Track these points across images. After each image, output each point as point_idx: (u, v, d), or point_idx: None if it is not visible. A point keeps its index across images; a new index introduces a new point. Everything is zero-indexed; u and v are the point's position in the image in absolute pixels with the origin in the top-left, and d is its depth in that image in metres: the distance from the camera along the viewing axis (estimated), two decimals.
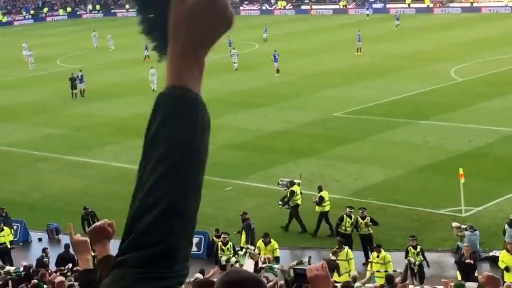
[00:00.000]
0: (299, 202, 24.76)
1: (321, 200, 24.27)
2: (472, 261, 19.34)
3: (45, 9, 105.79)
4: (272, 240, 21.84)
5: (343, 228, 22.62)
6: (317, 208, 24.43)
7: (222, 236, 22.20)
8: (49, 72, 56.69)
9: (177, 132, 1.76)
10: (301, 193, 24.86)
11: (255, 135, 34.74)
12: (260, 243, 21.82)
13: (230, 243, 22.11)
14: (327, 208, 24.34)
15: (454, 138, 32.46)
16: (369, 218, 22.30)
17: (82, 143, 35.79)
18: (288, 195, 24.71)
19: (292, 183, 24.95)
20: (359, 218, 22.36)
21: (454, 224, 22.10)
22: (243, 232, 22.96)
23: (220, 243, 22.14)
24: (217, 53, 58.27)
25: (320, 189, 24.69)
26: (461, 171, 23.73)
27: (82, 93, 46.71)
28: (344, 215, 22.72)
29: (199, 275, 17.95)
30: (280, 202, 25.04)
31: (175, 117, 1.75)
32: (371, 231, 22.38)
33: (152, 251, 1.77)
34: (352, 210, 22.85)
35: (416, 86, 42.13)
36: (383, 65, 49.21)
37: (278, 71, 48.58)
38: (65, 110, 43.14)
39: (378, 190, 26.85)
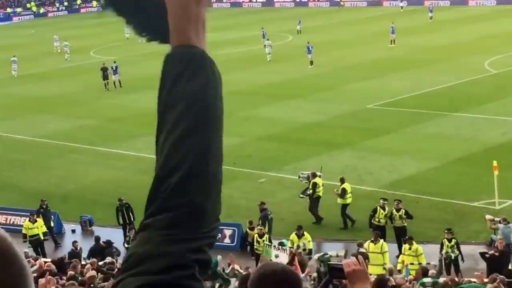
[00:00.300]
0: (320, 194, 24.71)
1: (343, 193, 24.16)
2: (496, 253, 19.24)
3: (79, 1, 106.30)
4: (305, 232, 21.68)
5: (376, 220, 22.46)
6: (339, 200, 24.35)
7: (258, 228, 22.19)
8: (83, 63, 57.02)
9: (189, 90, 1.74)
10: (322, 185, 24.77)
11: (288, 127, 34.66)
12: (293, 236, 21.66)
13: (266, 235, 22.02)
14: (349, 201, 24.29)
15: (487, 130, 32.23)
16: (403, 210, 22.18)
17: (115, 135, 35.89)
18: (310, 187, 24.73)
19: (314, 175, 24.93)
20: (394, 211, 22.24)
21: (488, 216, 21.89)
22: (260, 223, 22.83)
23: (256, 235, 22.12)
24: (251, 45, 58.66)
25: (342, 181, 24.58)
26: (495, 163, 23.57)
27: (119, 84, 46.93)
28: (378, 207, 22.59)
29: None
30: (301, 195, 25.07)
31: (185, 75, 1.74)
32: (405, 224, 22.19)
33: (178, 213, 1.76)
34: (386, 202, 22.66)
35: (450, 78, 41.93)
36: (416, 57, 48.99)
37: (311, 62, 48.55)
38: (98, 102, 43.34)
39: (411, 182, 26.72)
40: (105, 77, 47.25)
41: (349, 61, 49.22)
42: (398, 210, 22.22)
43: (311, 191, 24.71)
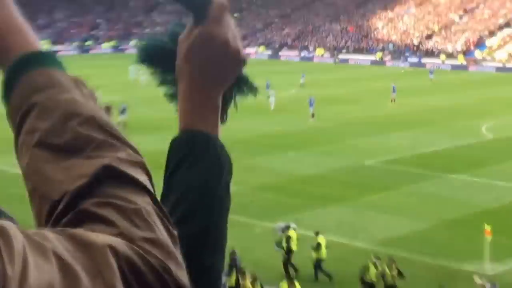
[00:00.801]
0: (294, 248, 24.46)
1: (318, 246, 23.97)
2: None
3: (89, 42, 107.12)
4: (296, 283, 21.46)
5: (368, 277, 22.14)
6: (314, 254, 24.11)
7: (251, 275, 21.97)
8: None
9: (190, 176, 1.65)
10: (297, 238, 24.59)
11: (286, 178, 34.56)
12: (283, 284, 21.45)
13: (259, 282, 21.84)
14: (323, 255, 24.01)
15: (481, 194, 32.19)
16: (396, 269, 22.03)
17: None
18: (284, 240, 24.53)
19: (287, 227, 24.88)
20: (386, 269, 22.11)
21: (478, 280, 21.81)
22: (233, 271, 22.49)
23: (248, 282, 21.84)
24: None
25: (317, 234, 24.42)
26: (487, 227, 23.50)
27: (124, 125, 46.95)
28: (370, 264, 22.24)
29: None
30: (276, 248, 24.80)
31: (187, 161, 1.66)
32: (397, 283, 22.08)
33: None
34: (378, 260, 22.40)
35: (447, 140, 42.05)
36: (416, 117, 49.18)
37: (313, 115, 48.66)
38: None
39: (405, 241, 26.48)
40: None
41: (350, 117, 49.33)
42: (391, 269, 22.05)
43: (285, 244, 24.47)
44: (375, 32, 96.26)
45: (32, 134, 1.18)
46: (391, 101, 55.20)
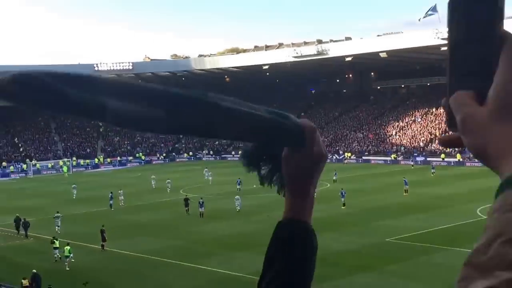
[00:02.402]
0: None
1: None
2: None
3: (173, 153, 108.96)
4: None
5: None
6: None
7: None
8: (174, 198, 57.71)
9: (292, 254, 1.64)
10: None
11: (326, 252, 34.39)
12: None
13: None
14: None
15: None
16: None
17: (197, 252, 35.86)
18: None
19: None
20: None
21: None
22: None
23: None
24: None
25: None
26: None
27: (201, 215, 47.32)
28: None
29: None
30: None
31: (290, 243, 1.65)
32: None
33: None
34: None
35: (450, 220, 41.75)
36: (424, 204, 48.94)
37: (344, 204, 48.66)
38: (184, 227, 43.66)
39: None
40: (187, 205, 49.01)
41: (373, 205, 49.24)
42: None
43: None
44: (390, 138, 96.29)
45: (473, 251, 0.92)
46: (405, 191, 54.90)
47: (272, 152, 1.71)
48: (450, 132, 1.01)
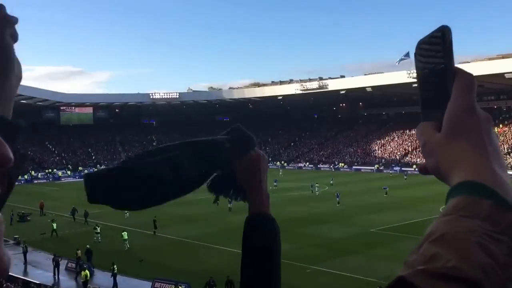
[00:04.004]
0: None
1: None
2: None
3: None
4: None
5: None
6: None
7: None
8: (208, 196, 57.76)
9: (260, 237, 1.54)
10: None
11: (324, 239, 34.37)
12: None
13: None
14: None
15: None
16: None
17: (225, 238, 35.66)
18: None
19: None
20: None
21: None
22: None
23: None
24: (303, 190, 58.99)
25: None
26: None
27: (230, 209, 47.09)
28: None
29: None
30: None
31: (258, 229, 1.56)
32: None
33: None
34: None
35: (419, 215, 41.31)
36: (399, 203, 48.58)
37: (338, 203, 48.44)
38: (217, 218, 43.41)
39: None
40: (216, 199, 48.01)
41: (361, 203, 48.94)
42: None
43: None
44: (374, 152, 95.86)
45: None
46: (385, 193, 54.62)
47: (226, 179, 1.66)
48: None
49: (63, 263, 30.41)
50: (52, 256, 30.44)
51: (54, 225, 39.05)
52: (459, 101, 0.82)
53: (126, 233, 35.03)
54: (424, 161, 0.90)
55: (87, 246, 31.39)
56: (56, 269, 29.69)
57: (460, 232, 0.70)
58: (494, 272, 0.66)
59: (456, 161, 0.82)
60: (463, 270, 0.65)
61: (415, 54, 0.91)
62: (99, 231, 36.40)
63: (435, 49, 0.87)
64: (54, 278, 29.46)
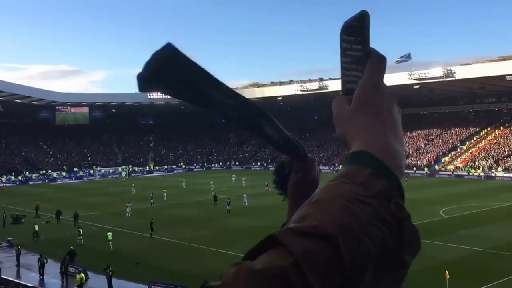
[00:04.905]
0: None
1: None
2: None
3: (207, 163, 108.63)
4: None
5: None
6: None
7: None
8: (207, 198, 57.55)
9: None
10: None
11: None
12: None
13: None
14: None
15: (442, 252, 31.35)
16: None
17: (223, 240, 35.71)
18: None
19: None
20: None
21: None
22: None
23: None
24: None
25: None
26: (447, 272, 23.03)
27: (228, 212, 47.05)
28: None
29: None
30: None
31: None
32: None
33: None
34: None
35: (418, 218, 41.27)
36: None
37: None
38: (214, 221, 43.43)
39: None
40: (215, 200, 49.83)
41: None
42: None
43: None
44: None
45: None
46: None
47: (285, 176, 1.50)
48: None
49: (56, 266, 30.21)
50: (38, 257, 30.25)
51: (36, 227, 39.00)
52: (367, 79, 0.94)
53: (111, 233, 35.19)
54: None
55: (71, 247, 31.48)
56: (41, 269, 29.64)
57: (332, 196, 0.79)
58: (352, 229, 0.74)
59: (356, 132, 0.93)
60: (322, 228, 0.73)
61: (340, 35, 1.01)
62: (81, 233, 36.79)
63: (355, 33, 0.98)
64: (40, 278, 29.43)
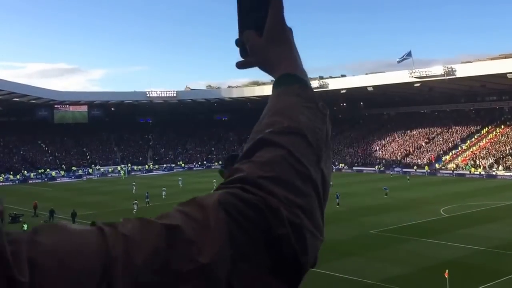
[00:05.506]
0: None
1: None
2: None
3: (207, 162, 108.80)
4: None
5: None
6: None
7: None
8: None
9: None
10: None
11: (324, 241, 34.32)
12: None
13: None
14: None
15: (442, 250, 31.38)
16: None
17: None
18: None
19: None
20: None
21: None
22: None
23: None
24: None
25: None
26: (446, 271, 23.09)
27: None
28: None
29: None
30: None
31: None
32: None
33: None
34: None
35: (419, 217, 41.49)
36: (399, 204, 48.66)
37: (338, 204, 48.45)
38: None
39: (395, 279, 25.88)
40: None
41: (360, 205, 49.07)
42: None
43: None
44: (374, 153, 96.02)
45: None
46: (385, 194, 54.73)
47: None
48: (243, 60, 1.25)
49: None
50: None
51: (25, 226, 39.11)
52: (276, 18, 1.17)
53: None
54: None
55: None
56: None
57: (288, 106, 1.09)
58: (308, 124, 1.07)
59: (278, 59, 1.17)
60: (293, 126, 1.04)
61: None
62: None
63: None
64: None
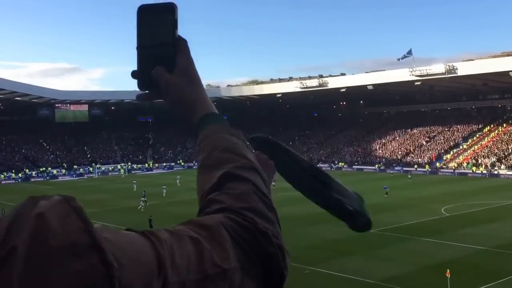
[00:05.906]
0: None
1: None
2: None
3: None
4: None
5: None
6: None
7: None
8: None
9: None
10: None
11: (323, 240, 34.24)
12: None
13: None
14: None
15: (443, 250, 31.33)
16: None
17: None
18: None
19: None
20: None
21: None
22: None
23: None
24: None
25: None
26: (447, 270, 23.04)
27: None
28: None
29: None
30: None
31: None
32: None
33: None
34: None
35: (420, 217, 41.43)
36: (400, 203, 48.57)
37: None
38: None
39: (396, 279, 25.81)
40: None
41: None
42: None
43: None
44: (374, 152, 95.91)
45: (200, 161, 1.23)
46: (385, 194, 54.62)
47: None
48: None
49: None
50: None
51: None
52: (188, 59, 1.27)
53: None
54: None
55: None
56: None
57: (232, 144, 1.21)
58: (255, 158, 1.24)
59: (195, 99, 1.27)
60: (249, 163, 1.18)
61: (138, 11, 1.22)
62: None
63: (162, 21, 1.23)
64: None
